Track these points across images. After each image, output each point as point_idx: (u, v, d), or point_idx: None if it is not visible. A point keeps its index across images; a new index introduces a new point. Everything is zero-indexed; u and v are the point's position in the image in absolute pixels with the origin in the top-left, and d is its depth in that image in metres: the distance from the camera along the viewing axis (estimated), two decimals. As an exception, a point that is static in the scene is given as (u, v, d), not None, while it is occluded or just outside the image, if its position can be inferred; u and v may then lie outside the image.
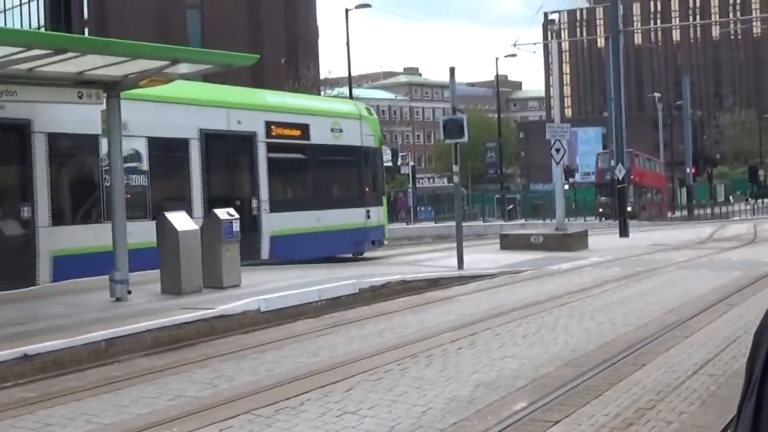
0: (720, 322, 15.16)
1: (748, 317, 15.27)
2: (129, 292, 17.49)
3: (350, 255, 31.90)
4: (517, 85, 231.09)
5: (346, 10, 57.47)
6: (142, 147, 23.60)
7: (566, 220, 41.18)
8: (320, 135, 29.98)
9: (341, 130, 30.90)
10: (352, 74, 58.49)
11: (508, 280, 23.25)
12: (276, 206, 27.79)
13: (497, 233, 42.13)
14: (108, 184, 19.96)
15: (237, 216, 19.92)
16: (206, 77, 25.31)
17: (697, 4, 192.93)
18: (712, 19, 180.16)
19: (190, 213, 22.07)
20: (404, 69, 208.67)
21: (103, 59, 16.52)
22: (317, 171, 30.24)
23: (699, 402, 9.73)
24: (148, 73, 17.76)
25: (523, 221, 68.16)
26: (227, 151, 27.16)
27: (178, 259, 18.24)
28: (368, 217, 31.93)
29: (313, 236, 29.06)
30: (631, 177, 68.26)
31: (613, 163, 50.69)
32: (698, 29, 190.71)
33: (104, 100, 17.73)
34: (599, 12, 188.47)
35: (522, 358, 12.22)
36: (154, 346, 13.95)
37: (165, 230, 18.61)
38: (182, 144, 24.97)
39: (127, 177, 21.25)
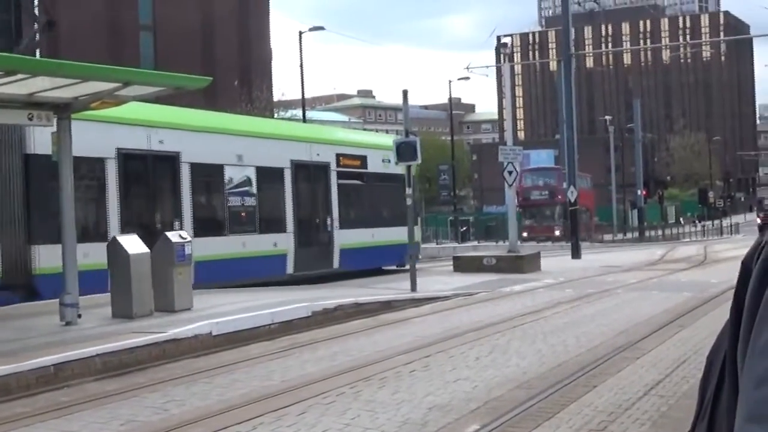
0: (670, 344, 15.26)
1: (697, 338, 15.39)
2: (79, 316, 17.32)
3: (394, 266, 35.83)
4: (471, 108, 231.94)
5: (300, 33, 57.63)
6: (252, 174, 29.09)
7: (519, 242, 41.27)
8: (374, 165, 35.27)
9: (389, 161, 33.14)
10: (306, 96, 58.52)
11: (462, 302, 23.28)
12: (344, 224, 32.93)
13: (451, 255, 42.20)
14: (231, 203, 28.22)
15: (189, 239, 19.85)
16: (158, 99, 25.18)
17: (648, 29, 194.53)
18: (663, 43, 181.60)
19: (284, 229, 30.11)
20: (358, 91, 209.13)
21: (54, 81, 16.42)
22: (372, 195, 35.56)
23: (650, 423, 9.78)
24: (100, 95, 17.67)
25: (476, 243, 68.25)
26: (309, 177, 32.07)
27: (129, 282, 18.10)
28: (412, 235, 32.21)
29: (370, 250, 34.23)
30: (559, 197, 67.44)
31: (565, 184, 50.86)
32: (649, 53, 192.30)
33: (54, 122, 17.60)
34: (551, 35, 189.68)
35: (475, 380, 12.23)
36: (104, 370, 13.82)
37: (116, 253, 18.47)
38: (279, 172, 30.10)
39: (243, 198, 28.69)
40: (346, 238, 32.97)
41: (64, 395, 12.32)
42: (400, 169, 32.63)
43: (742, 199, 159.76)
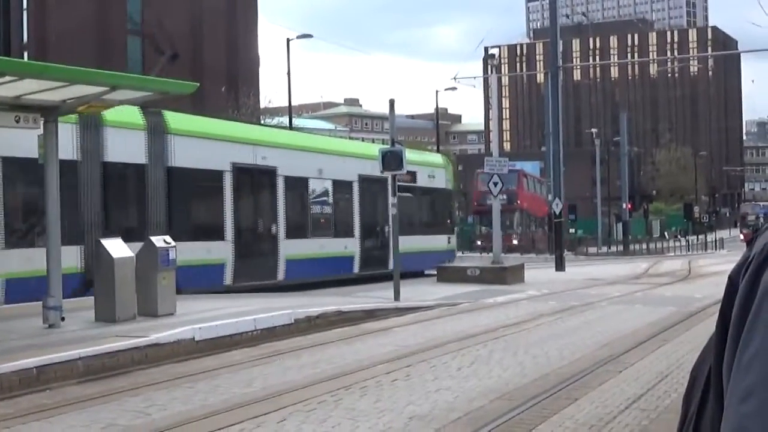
0: (653, 358, 15.28)
1: (680, 352, 15.41)
2: (62, 319, 17.27)
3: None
4: (457, 118, 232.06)
5: (288, 40, 57.62)
6: (330, 186, 33.67)
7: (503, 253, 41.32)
8: (422, 180, 39.62)
9: (434, 177, 40.81)
10: (293, 104, 58.52)
11: (445, 312, 23.29)
12: (400, 231, 33.14)
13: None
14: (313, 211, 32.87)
15: (173, 244, 19.81)
16: (146, 104, 25.16)
17: (636, 42, 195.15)
18: (650, 57, 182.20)
19: (352, 234, 34.69)
20: (344, 100, 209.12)
21: (41, 84, 16.39)
22: (421, 206, 40.19)
23: (631, 436, 9.79)
24: (86, 98, 17.64)
25: (460, 254, 68.30)
26: (372, 189, 35.85)
27: (113, 286, 18.07)
28: (449, 242, 42.05)
29: (420, 255, 37.82)
30: (518, 202, 65.49)
31: (551, 197, 50.93)
32: (636, 67, 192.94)
33: (41, 124, 17.56)
34: (539, 47, 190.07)
35: (456, 390, 12.23)
36: (86, 373, 13.78)
37: (100, 257, 18.44)
38: (350, 185, 34.29)
39: (322, 207, 33.32)
40: (406, 243, 34.78)
41: (45, 398, 12.28)
42: (442, 184, 41.88)
43: (728, 214, 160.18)
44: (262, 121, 60.76)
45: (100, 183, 24.33)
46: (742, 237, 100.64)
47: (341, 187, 34.45)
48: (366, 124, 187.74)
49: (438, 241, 40.65)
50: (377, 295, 26.59)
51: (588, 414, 10.77)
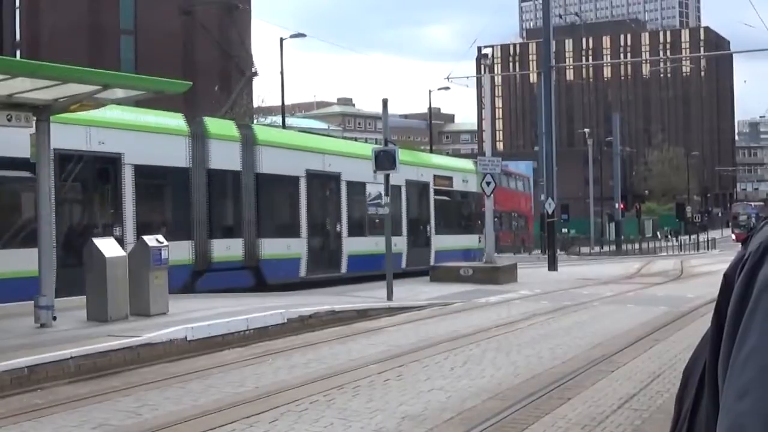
0: (645, 357, 15.29)
1: (673, 352, 15.42)
2: (54, 318, 17.24)
3: None
4: (450, 118, 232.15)
5: (281, 39, 57.55)
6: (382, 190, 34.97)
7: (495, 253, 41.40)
8: (458, 184, 43.24)
9: (467, 181, 43.94)
10: (286, 103, 58.50)
11: (437, 312, 23.28)
12: (438, 230, 40.72)
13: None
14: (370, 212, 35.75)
15: (166, 243, 19.77)
16: (138, 103, 25.14)
17: (629, 43, 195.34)
18: (643, 57, 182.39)
19: (400, 233, 36.84)
20: (338, 99, 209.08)
21: (34, 82, 16.35)
22: (456, 208, 43.85)
23: (623, 436, 9.78)
24: (78, 97, 17.60)
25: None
26: (417, 193, 39.62)
27: (105, 285, 18.04)
28: (479, 241, 43.69)
29: (454, 252, 40.85)
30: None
31: (542, 197, 50.99)
32: (629, 67, 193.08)
33: (34, 123, 17.52)
34: (532, 47, 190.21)
35: (449, 390, 12.22)
36: (78, 373, 13.76)
37: (92, 256, 18.40)
38: (398, 189, 36.05)
39: (377, 208, 34.92)
40: (440, 242, 40.77)
41: (37, 397, 12.25)
42: (474, 188, 43.70)
43: (720, 214, 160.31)
44: (255, 120, 60.70)
45: (206, 187, 27.69)
46: (734, 237, 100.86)
47: (394, 191, 35.13)
48: (359, 124, 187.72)
49: (471, 240, 43.96)
50: (370, 295, 26.57)
51: (581, 414, 10.76)
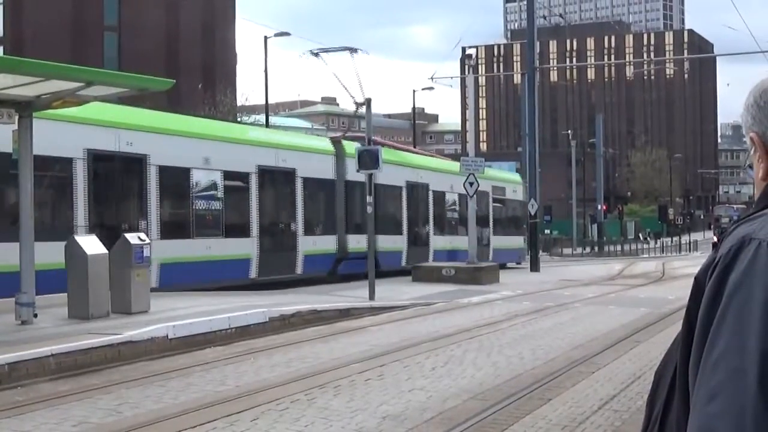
0: (626, 359, 15.34)
1: (653, 353, 15.46)
2: (35, 316, 17.19)
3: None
4: (434, 118, 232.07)
5: (265, 38, 57.37)
6: (457, 199, 43.68)
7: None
8: (509, 194, 51.39)
9: (516, 191, 52.67)
10: (270, 102, 58.35)
11: (419, 312, 23.30)
12: (495, 232, 48.35)
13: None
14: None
15: (148, 241, 19.75)
16: (122, 100, 25.10)
17: (613, 45, 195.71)
18: (627, 59, 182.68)
19: (466, 234, 39.43)
20: (322, 98, 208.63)
21: (16, 79, 16.29)
22: (508, 213, 51.37)
23: (603, 437, 9.81)
24: (61, 94, 17.55)
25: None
26: (480, 201, 43.05)
27: (86, 283, 17.98)
28: (523, 242, 52.41)
29: (506, 251, 49.15)
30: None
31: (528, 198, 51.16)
32: (613, 69, 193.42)
33: (16, 120, 17.46)
34: (516, 48, 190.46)
35: (430, 390, 12.24)
36: (58, 371, 13.72)
37: (74, 254, 18.35)
38: (467, 198, 38.95)
39: (453, 211, 44.19)
40: (496, 242, 47.83)
41: (17, 395, 12.21)
42: (521, 197, 52.66)
43: (702, 216, 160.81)
44: (239, 119, 60.67)
45: (344, 193, 34.92)
46: (715, 239, 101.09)
47: (461, 198, 42.75)
48: (343, 123, 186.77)
49: (517, 241, 51.97)
50: (352, 295, 26.55)
51: (561, 414, 10.79)
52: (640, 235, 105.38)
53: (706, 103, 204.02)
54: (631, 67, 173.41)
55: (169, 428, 10.03)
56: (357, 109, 39.77)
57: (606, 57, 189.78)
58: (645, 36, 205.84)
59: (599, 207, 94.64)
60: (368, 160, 26.51)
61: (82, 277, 18.05)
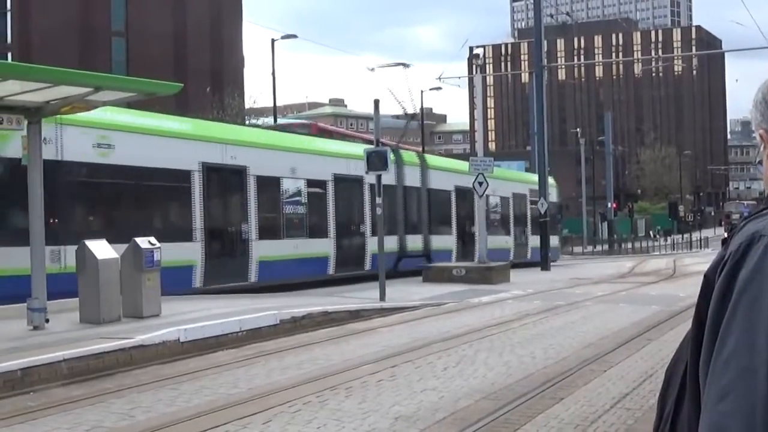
0: (638, 357, 15.31)
1: (665, 352, 15.42)
2: (47, 321, 17.23)
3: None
4: (442, 118, 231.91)
5: (272, 40, 57.39)
6: (499, 201, 48.32)
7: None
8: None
9: (551, 193, 52.56)
10: (278, 104, 58.39)
11: (430, 312, 23.29)
12: (532, 232, 51.04)
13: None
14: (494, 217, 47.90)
15: (158, 245, 19.77)
16: (130, 105, 25.18)
17: (620, 42, 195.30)
18: (635, 56, 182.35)
19: (509, 233, 49.11)
20: (329, 100, 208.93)
21: (25, 85, 16.32)
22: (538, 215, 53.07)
23: (616, 436, 9.80)
24: (70, 99, 17.59)
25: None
26: (520, 203, 51.02)
27: (98, 287, 18.02)
28: (558, 241, 58.31)
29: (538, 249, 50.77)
30: None
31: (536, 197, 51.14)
32: (621, 66, 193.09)
33: (25, 126, 17.50)
34: (524, 47, 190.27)
35: (442, 390, 12.23)
36: (70, 375, 13.74)
37: (85, 258, 18.38)
38: (507, 200, 48.81)
39: (495, 214, 48.46)
40: (534, 241, 50.16)
41: (30, 400, 12.23)
42: (555, 198, 55.78)
43: (712, 213, 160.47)
44: (247, 121, 60.71)
45: (402, 198, 37.88)
46: (726, 236, 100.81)
47: (502, 201, 49.04)
48: (351, 125, 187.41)
49: (552, 241, 52.79)
50: (363, 296, 26.55)
51: (573, 413, 10.78)
52: (651, 232, 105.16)
53: (715, 99, 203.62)
54: (640, 64, 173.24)
55: (181, 431, 10.04)
56: (409, 119, 45.56)
57: (614, 54, 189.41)
58: (653, 33, 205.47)
59: (609, 205, 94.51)
60: (377, 161, 26.48)
61: (93, 281, 18.09)
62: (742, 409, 1.51)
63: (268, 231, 29.93)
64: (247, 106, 69.36)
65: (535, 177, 56.89)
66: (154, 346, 15.92)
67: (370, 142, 34.35)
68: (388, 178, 34.52)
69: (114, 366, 14.65)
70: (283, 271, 29.94)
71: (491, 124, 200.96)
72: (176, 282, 23.93)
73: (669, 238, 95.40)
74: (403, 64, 48.89)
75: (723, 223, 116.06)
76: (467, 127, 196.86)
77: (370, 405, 11.30)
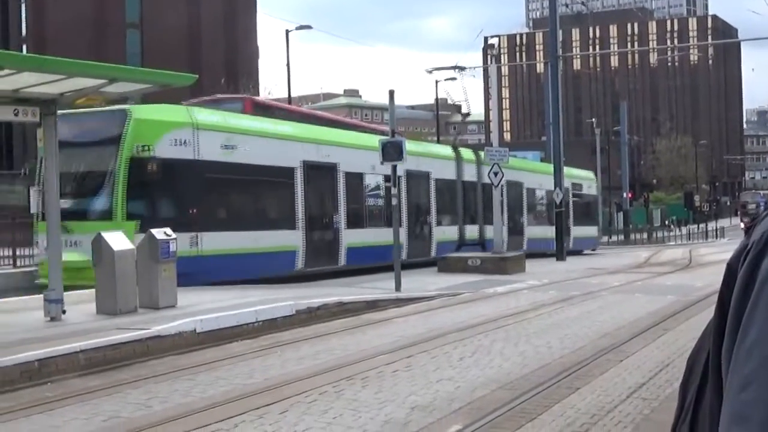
0: (654, 347, 15.28)
1: (681, 341, 15.40)
2: (64, 312, 17.27)
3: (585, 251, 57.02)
4: (457, 109, 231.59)
5: (287, 31, 57.44)
6: (544, 194, 51.02)
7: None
8: (586, 189, 60.06)
9: (591, 187, 61.76)
10: (292, 95, 58.42)
11: (446, 302, 23.28)
12: (575, 223, 55.03)
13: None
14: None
15: (174, 236, 19.80)
16: (146, 97, 25.25)
17: (636, 31, 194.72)
18: (650, 46, 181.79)
19: (551, 224, 48.70)
20: (344, 91, 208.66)
21: (40, 77, 16.35)
22: (584, 206, 59.45)
23: (632, 426, 9.79)
24: (85, 91, 17.63)
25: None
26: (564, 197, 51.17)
27: (114, 278, 18.06)
28: (597, 231, 63.33)
29: (583, 239, 57.22)
30: None
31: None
32: (636, 56, 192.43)
33: (40, 117, 17.51)
34: (539, 37, 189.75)
35: (458, 380, 12.23)
36: (87, 366, 13.78)
37: (101, 250, 18.42)
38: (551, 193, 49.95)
39: (541, 206, 52.14)
40: (576, 231, 55.07)
41: (48, 390, 12.28)
42: (594, 192, 63.10)
43: (728, 203, 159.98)
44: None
45: (462, 192, 41.02)
46: (742, 226, 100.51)
47: (547, 194, 51.05)
48: (366, 115, 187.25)
49: (592, 231, 61.01)
50: (378, 286, 26.56)
51: (589, 403, 10.77)
52: (667, 222, 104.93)
53: (730, 88, 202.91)
54: (655, 53, 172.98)
55: (198, 422, 10.06)
56: (463, 119, 54.75)
57: (629, 44, 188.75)
58: (668, 22, 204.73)
59: (625, 195, 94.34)
60: (392, 151, 26.47)
61: (109, 273, 18.13)
62: (765, 398, 1.50)
63: (354, 221, 33.52)
64: (261, 97, 69.42)
65: (575, 171, 61.89)
66: (170, 336, 15.96)
67: (348, 126, 39.62)
68: (450, 173, 40.67)
69: (130, 357, 14.69)
70: (366, 256, 33.19)
71: (506, 114, 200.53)
72: (282, 265, 29.10)
73: (684, 228, 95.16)
74: (460, 68, 52.87)
75: (739, 212, 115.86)
76: (482, 118, 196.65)
77: (386, 395, 11.30)
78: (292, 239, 29.91)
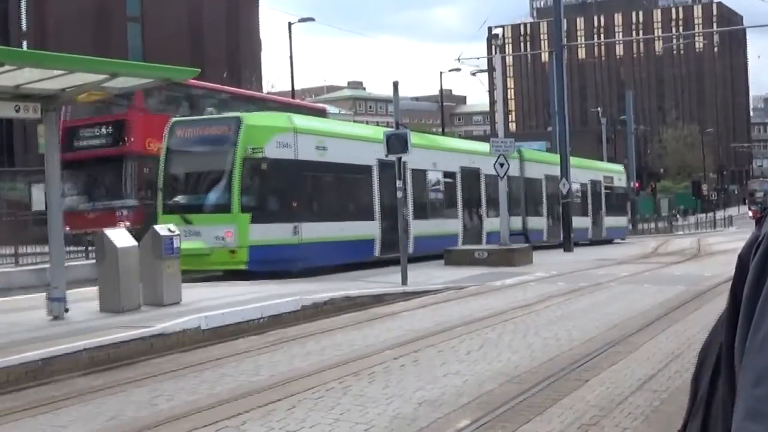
0: (663, 337, 15.20)
1: (690, 332, 15.32)
2: (67, 310, 17.20)
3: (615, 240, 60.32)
4: (462, 100, 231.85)
5: (289, 24, 57.52)
6: (579, 187, 54.29)
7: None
8: (615, 182, 62.78)
9: (620, 180, 64.53)
10: (296, 88, 58.47)
11: (452, 295, 23.21)
12: (607, 213, 58.96)
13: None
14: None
15: (177, 232, 19.75)
16: (149, 90, 25.24)
17: (641, 20, 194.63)
18: (655, 34, 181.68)
19: (587, 214, 55.85)
20: (348, 83, 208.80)
21: (41, 73, 16.27)
22: (615, 198, 62.40)
23: (642, 418, 9.71)
24: (86, 86, 17.53)
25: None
26: (596, 188, 57.94)
27: (117, 276, 17.98)
28: (627, 221, 68.18)
29: (615, 229, 61.03)
30: (128, 140, 38.37)
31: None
32: (641, 44, 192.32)
33: (41, 113, 17.44)
34: (543, 26, 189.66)
35: (466, 374, 12.14)
36: (91, 365, 13.71)
37: (104, 247, 18.35)
38: (585, 186, 55.90)
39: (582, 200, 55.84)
40: (608, 222, 59.10)
41: (52, 390, 12.21)
42: (623, 183, 66.04)
43: (736, 191, 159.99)
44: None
45: (506, 186, 39.34)
46: (750, 214, 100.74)
47: (582, 187, 55.37)
48: (370, 107, 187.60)
49: (622, 221, 65.05)
50: (385, 280, 26.51)
51: (599, 395, 10.69)
52: (674, 211, 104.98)
53: (736, 76, 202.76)
54: (660, 42, 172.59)
55: (204, 419, 9.98)
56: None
57: (634, 32, 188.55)
58: (673, 10, 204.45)
59: (632, 184, 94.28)
60: (397, 143, 26.39)
61: (112, 270, 18.06)
62: None
63: (419, 212, 36.60)
64: (265, 90, 69.49)
65: (607, 165, 68.52)
66: (175, 334, 15.90)
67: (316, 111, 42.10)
68: (514, 170, 42.77)
69: (134, 355, 14.63)
70: (428, 244, 35.72)
71: (511, 104, 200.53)
72: (362, 252, 32.65)
73: (690, 217, 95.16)
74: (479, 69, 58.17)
75: (747, 201, 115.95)
76: (487, 108, 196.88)
77: (394, 390, 11.22)
78: (370, 229, 33.36)
